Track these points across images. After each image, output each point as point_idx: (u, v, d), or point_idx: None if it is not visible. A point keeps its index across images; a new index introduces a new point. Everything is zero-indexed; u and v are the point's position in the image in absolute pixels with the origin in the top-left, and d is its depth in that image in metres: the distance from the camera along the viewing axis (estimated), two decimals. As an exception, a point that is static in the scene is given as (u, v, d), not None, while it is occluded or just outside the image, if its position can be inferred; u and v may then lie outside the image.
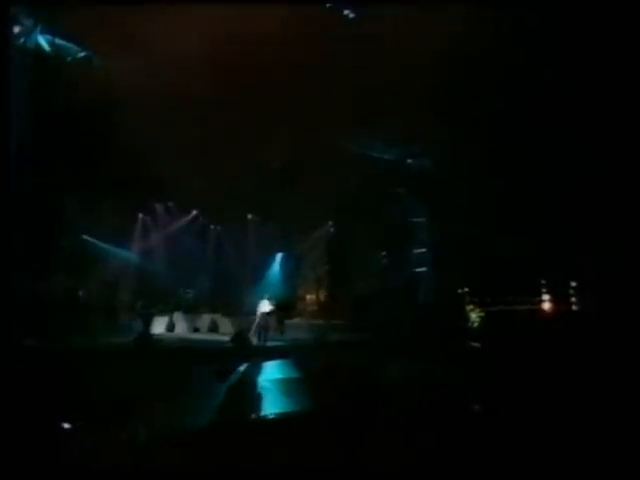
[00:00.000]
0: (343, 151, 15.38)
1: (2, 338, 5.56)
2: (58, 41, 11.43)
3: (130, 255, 16.17)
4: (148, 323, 12.83)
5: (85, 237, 15.12)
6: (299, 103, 13.01)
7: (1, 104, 5.51)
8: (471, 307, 15.85)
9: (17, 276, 8.82)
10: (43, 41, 11.37)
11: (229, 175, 15.30)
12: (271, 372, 10.25)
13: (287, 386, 8.94)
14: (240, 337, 11.57)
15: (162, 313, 15.21)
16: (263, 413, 7.00)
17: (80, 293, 13.31)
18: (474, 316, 15.66)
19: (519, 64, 11.59)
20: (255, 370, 10.15)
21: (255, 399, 7.70)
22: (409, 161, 16.60)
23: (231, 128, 13.82)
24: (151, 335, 12.11)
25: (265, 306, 13.56)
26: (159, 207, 17.16)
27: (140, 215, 17.02)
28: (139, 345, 10.12)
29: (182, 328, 15.86)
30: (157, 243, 16.98)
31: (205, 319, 16.25)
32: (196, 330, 15.99)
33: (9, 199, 6.99)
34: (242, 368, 10.19)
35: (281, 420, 6.47)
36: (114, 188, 14.21)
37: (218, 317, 16.27)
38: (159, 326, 15.35)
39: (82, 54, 11.87)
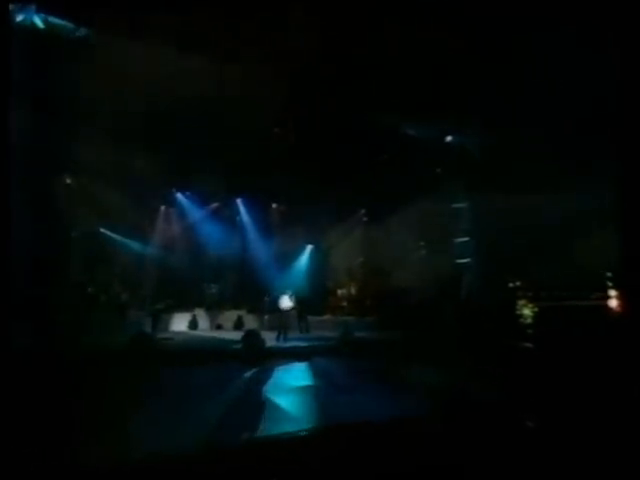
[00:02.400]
0: (375, 130, 13.93)
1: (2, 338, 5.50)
2: (52, 19, 10.62)
3: (149, 249, 15.41)
4: (156, 321, 11.98)
5: (102, 230, 14.48)
6: (324, 78, 12.05)
7: (2, 102, 5.49)
8: (523, 302, 14.15)
9: (20, 274, 8.34)
10: (38, 20, 10.59)
11: (251, 162, 14.32)
12: (281, 379, 9.09)
13: (297, 397, 7.83)
14: (251, 336, 10.40)
15: (177, 310, 14.48)
16: (264, 432, 5.85)
17: (89, 289, 12.64)
18: (527, 312, 13.98)
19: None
20: (262, 376, 9.00)
21: (256, 414, 6.54)
22: (448, 139, 14.95)
23: (248, 105, 12.83)
24: (150, 334, 11.20)
25: (285, 302, 12.49)
26: (181, 198, 16.31)
27: (162, 207, 16.25)
28: (135, 346, 9.20)
29: (203, 325, 15.10)
30: (178, 236, 16.16)
31: (228, 316, 15.33)
32: (219, 327, 15.15)
33: (9, 194, 6.39)
34: (248, 374, 9.10)
35: (286, 442, 5.38)
36: (132, 177, 13.54)
37: (243, 314, 15.33)
38: (180, 324, 14.75)
39: (80, 32, 11.01)
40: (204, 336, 13.54)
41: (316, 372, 9.46)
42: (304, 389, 8.24)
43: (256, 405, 7.10)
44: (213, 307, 15.55)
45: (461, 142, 14.57)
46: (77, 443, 5.15)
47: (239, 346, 10.37)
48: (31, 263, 9.98)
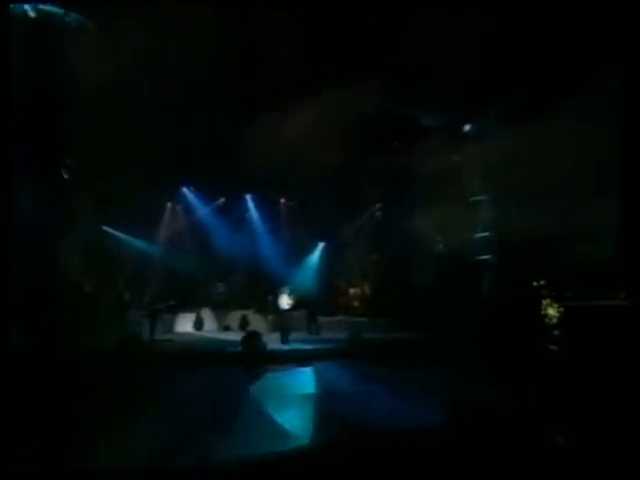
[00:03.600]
0: (387, 118, 13.43)
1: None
2: (42, 6, 10.26)
3: (155, 247, 15.06)
4: (154, 322, 11.56)
5: (105, 228, 14.12)
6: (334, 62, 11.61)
7: (3, 100, 5.63)
8: (548, 302, 13.34)
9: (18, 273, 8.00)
10: (28, 7, 10.25)
11: (259, 157, 13.78)
12: (281, 385, 8.51)
13: (299, 404, 7.26)
14: (252, 338, 9.82)
15: (182, 310, 14.08)
16: (262, 446, 5.36)
17: (90, 288, 12.29)
18: (552, 312, 13.18)
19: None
20: (260, 382, 8.39)
21: (249, 429, 6.00)
22: (466, 128, 14.12)
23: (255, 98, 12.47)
24: (143, 336, 10.77)
25: (284, 301, 11.89)
26: (187, 194, 15.87)
27: (168, 204, 15.84)
28: (125, 348, 8.77)
29: (210, 326, 14.68)
30: (185, 233, 15.82)
31: (236, 316, 14.81)
32: (227, 328, 14.66)
33: (9, 195, 6.28)
34: (245, 379, 8.50)
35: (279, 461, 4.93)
36: (137, 173, 13.16)
37: (250, 314, 14.79)
38: (185, 324, 14.37)
39: (74, 19, 10.64)
40: (206, 337, 13.13)
41: (322, 377, 8.86)
42: (307, 396, 7.67)
43: (252, 415, 6.61)
44: (220, 307, 15.08)
45: (480, 130, 13.72)
46: (63, 443, 5.03)
47: (240, 348, 9.81)
48: (31, 261, 9.72)
